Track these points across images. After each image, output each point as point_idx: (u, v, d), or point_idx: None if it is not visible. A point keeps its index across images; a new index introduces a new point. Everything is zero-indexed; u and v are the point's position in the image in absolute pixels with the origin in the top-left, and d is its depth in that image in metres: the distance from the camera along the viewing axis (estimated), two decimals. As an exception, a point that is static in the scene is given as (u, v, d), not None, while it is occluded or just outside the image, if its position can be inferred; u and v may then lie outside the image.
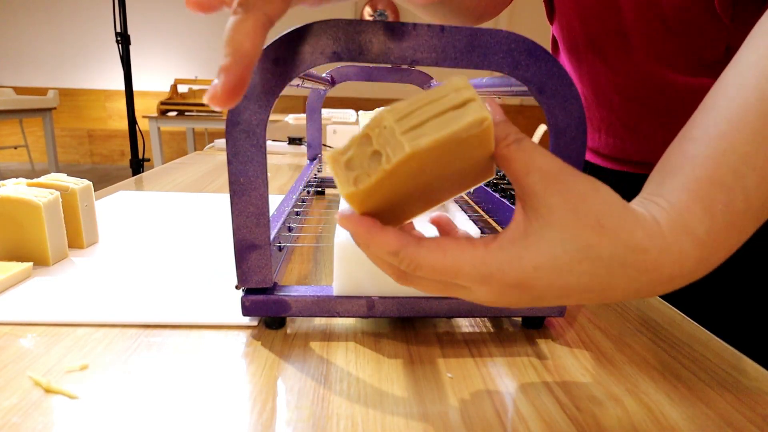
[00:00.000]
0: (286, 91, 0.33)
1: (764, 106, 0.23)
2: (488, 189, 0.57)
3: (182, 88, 3.16)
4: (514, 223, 0.23)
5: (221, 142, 1.28)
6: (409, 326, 0.36)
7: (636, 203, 0.24)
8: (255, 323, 0.35)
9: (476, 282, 0.23)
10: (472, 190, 0.44)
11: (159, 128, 2.86)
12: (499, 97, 0.45)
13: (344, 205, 0.24)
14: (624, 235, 0.22)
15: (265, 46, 0.28)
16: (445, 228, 0.29)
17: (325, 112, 2.21)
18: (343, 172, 0.22)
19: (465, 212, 0.47)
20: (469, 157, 0.23)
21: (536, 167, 0.22)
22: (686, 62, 0.46)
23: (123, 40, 2.21)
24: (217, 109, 0.25)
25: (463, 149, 0.22)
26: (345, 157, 0.22)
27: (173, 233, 0.53)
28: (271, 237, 0.34)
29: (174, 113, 2.92)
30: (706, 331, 0.37)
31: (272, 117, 2.60)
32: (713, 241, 0.23)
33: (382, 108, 0.21)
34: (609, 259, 0.22)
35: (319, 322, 0.36)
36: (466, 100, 0.21)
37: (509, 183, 0.57)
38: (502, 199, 0.51)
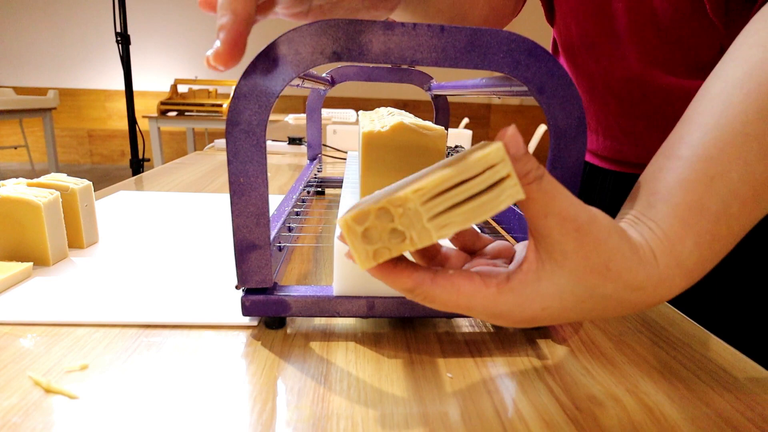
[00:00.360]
0: (286, 91, 0.34)
1: (749, 130, 0.24)
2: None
3: (182, 88, 3.16)
4: (527, 264, 0.24)
5: (221, 142, 1.28)
6: (409, 326, 0.36)
7: (630, 224, 0.25)
8: (255, 323, 0.35)
9: (485, 317, 0.25)
10: None
11: (159, 128, 2.86)
12: (499, 97, 0.45)
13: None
14: (626, 276, 0.23)
15: (265, 47, 0.28)
16: (468, 240, 0.30)
17: (325, 112, 2.21)
18: (361, 245, 0.21)
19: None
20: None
21: (555, 211, 0.22)
22: (679, 65, 0.46)
23: (123, 40, 2.21)
24: (220, 68, 0.25)
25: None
26: (362, 227, 0.21)
27: (173, 233, 0.53)
28: (271, 237, 0.34)
29: (174, 113, 2.92)
30: (706, 331, 0.37)
31: (272, 117, 2.61)
32: (698, 270, 0.25)
33: (404, 184, 0.21)
34: (609, 297, 0.24)
35: (319, 322, 0.36)
36: (501, 179, 0.20)
37: None
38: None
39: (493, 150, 0.20)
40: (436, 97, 0.80)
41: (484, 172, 0.20)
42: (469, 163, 0.20)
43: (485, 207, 0.20)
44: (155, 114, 2.85)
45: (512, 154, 0.21)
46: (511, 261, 0.28)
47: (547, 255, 0.23)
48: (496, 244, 0.30)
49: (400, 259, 0.23)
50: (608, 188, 0.58)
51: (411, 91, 4.28)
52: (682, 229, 0.24)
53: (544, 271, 0.24)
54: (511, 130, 0.22)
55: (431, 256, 0.29)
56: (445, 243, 0.32)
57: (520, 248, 0.29)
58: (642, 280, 0.23)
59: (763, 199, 0.25)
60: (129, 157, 2.43)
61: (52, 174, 0.48)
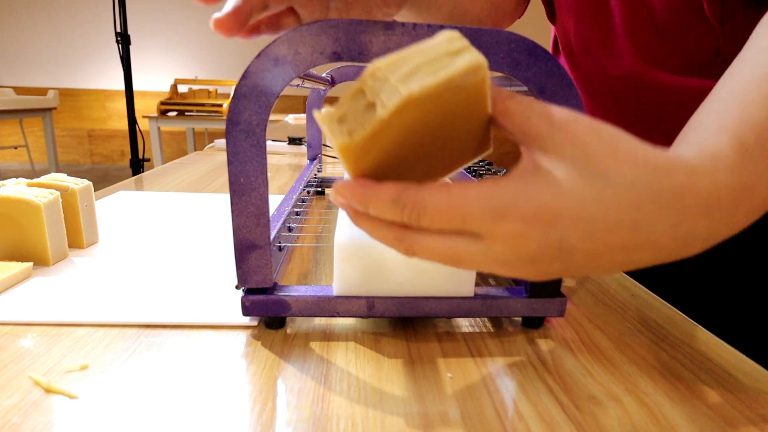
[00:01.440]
0: (286, 91, 0.33)
1: None
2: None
3: (182, 88, 3.16)
4: (522, 163, 0.22)
5: (221, 142, 1.28)
6: (409, 326, 0.36)
7: None
8: (255, 323, 0.35)
9: (489, 221, 0.20)
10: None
11: (159, 128, 2.86)
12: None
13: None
14: (642, 157, 0.20)
15: (265, 47, 0.28)
16: None
17: (325, 112, 2.20)
18: (337, 127, 0.20)
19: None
20: (466, 116, 0.22)
21: (536, 111, 0.21)
22: (676, 64, 0.46)
23: (123, 40, 2.21)
24: (221, 33, 0.25)
25: (459, 103, 0.21)
26: (338, 113, 0.20)
27: (173, 233, 0.53)
28: (271, 237, 0.34)
29: (174, 113, 2.92)
30: (706, 331, 0.37)
31: (272, 117, 2.61)
32: (748, 168, 0.21)
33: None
34: (632, 184, 0.19)
35: (319, 322, 0.36)
36: (459, 49, 0.20)
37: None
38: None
39: (448, 30, 0.20)
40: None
41: (443, 44, 0.20)
42: (429, 40, 0.20)
43: (448, 66, 0.19)
44: (155, 114, 2.85)
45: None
46: None
47: (541, 151, 0.21)
48: None
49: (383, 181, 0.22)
50: None
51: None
52: (715, 135, 0.21)
53: (542, 162, 0.21)
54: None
55: None
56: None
57: None
58: (663, 161, 0.20)
59: None
60: (129, 157, 2.43)
61: (52, 174, 0.48)
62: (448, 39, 0.20)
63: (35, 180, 0.46)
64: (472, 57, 0.19)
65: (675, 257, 0.22)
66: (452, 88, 0.20)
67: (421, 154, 0.23)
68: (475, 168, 0.55)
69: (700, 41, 0.43)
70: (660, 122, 0.49)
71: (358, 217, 0.23)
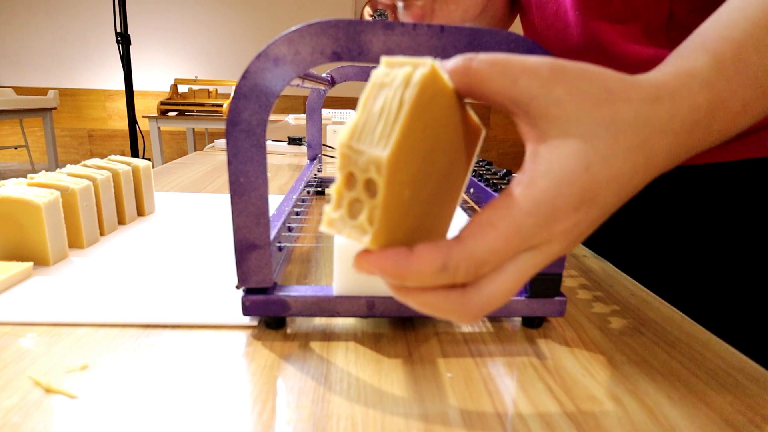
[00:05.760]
0: (286, 91, 0.33)
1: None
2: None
3: (182, 88, 3.16)
4: (531, 146, 0.20)
5: (221, 142, 1.28)
6: (409, 326, 0.36)
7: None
8: (255, 323, 0.35)
9: (543, 228, 0.19)
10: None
11: (159, 128, 2.86)
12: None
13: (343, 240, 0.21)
14: (634, 92, 0.20)
15: (265, 46, 0.28)
16: None
17: (325, 112, 2.21)
18: (350, 224, 0.19)
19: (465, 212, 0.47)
20: (449, 122, 0.21)
21: (518, 70, 0.19)
22: (630, 25, 0.44)
23: (123, 40, 2.21)
24: None
25: (436, 116, 0.20)
26: (340, 212, 0.19)
27: (173, 233, 0.53)
28: (271, 237, 0.34)
29: (174, 113, 2.92)
30: (706, 331, 0.37)
31: (272, 117, 2.61)
32: (722, 85, 0.21)
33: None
34: (635, 120, 0.20)
35: (319, 322, 0.36)
36: (404, 77, 0.19)
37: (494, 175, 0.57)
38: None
39: (379, 69, 0.19)
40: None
41: (381, 82, 0.19)
42: (367, 88, 0.19)
43: (404, 102, 0.18)
44: (155, 114, 2.85)
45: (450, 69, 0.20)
46: None
47: (543, 119, 0.20)
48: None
49: (414, 245, 0.19)
50: None
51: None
52: (692, 51, 0.22)
53: (552, 136, 0.20)
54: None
55: None
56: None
57: None
58: (649, 89, 0.20)
59: None
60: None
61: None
62: (383, 74, 0.19)
63: (35, 178, 0.46)
64: (418, 76, 0.18)
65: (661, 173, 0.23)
66: (422, 112, 0.19)
67: (433, 183, 0.22)
68: (475, 168, 0.55)
69: (652, 2, 0.42)
70: None
71: (397, 290, 0.20)
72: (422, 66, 0.19)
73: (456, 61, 0.20)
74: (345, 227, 0.19)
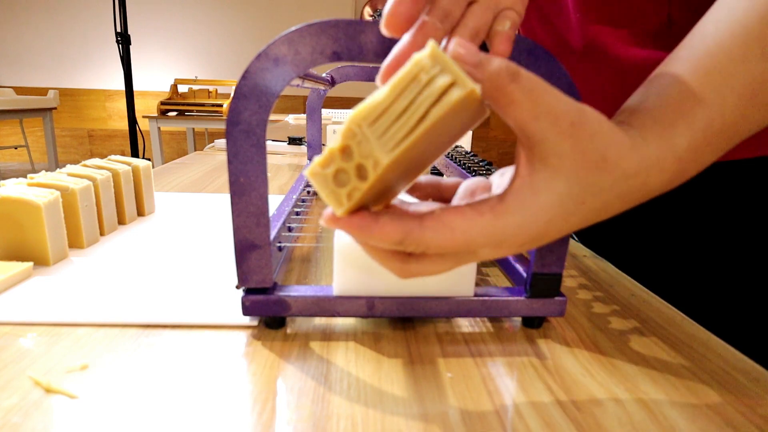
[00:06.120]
0: (286, 91, 0.33)
1: (751, 31, 0.24)
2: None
3: (182, 88, 3.16)
4: (519, 180, 0.22)
5: (221, 142, 1.28)
6: (409, 326, 0.36)
7: (622, 119, 0.25)
8: (255, 323, 0.35)
9: (488, 248, 0.22)
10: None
11: (159, 128, 2.86)
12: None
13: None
14: (622, 165, 0.22)
15: (265, 46, 0.28)
16: (431, 191, 0.29)
17: (325, 112, 2.21)
18: (334, 188, 0.20)
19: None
20: (458, 122, 0.21)
21: (546, 110, 0.21)
22: (629, 29, 0.45)
23: (123, 40, 2.21)
24: (386, 33, 0.23)
25: (448, 122, 0.20)
26: (330, 170, 0.20)
27: (173, 233, 0.53)
28: (271, 237, 0.34)
29: (174, 113, 2.92)
30: (706, 331, 0.37)
31: (272, 117, 2.61)
32: (690, 158, 0.24)
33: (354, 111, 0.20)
34: (609, 191, 0.23)
35: (319, 322, 0.36)
36: (445, 82, 0.18)
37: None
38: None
39: (424, 52, 0.18)
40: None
41: (417, 76, 0.18)
42: (402, 72, 0.19)
43: (430, 110, 0.18)
44: (155, 114, 2.85)
45: (468, 62, 0.19)
46: (489, 193, 0.27)
47: (541, 163, 0.22)
48: (467, 183, 0.28)
49: (381, 212, 0.22)
50: None
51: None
52: (675, 114, 0.24)
53: (540, 181, 0.22)
54: (453, 42, 0.19)
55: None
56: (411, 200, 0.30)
57: (497, 177, 0.28)
58: (636, 165, 0.22)
59: (759, 100, 0.24)
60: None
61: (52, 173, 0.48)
62: (421, 67, 0.18)
63: (35, 178, 0.46)
64: (459, 90, 0.18)
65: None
66: (444, 121, 0.19)
67: (413, 166, 0.23)
68: (475, 168, 0.55)
69: (651, 6, 0.43)
70: (622, 99, 0.49)
71: (356, 239, 0.23)
72: (461, 86, 0.18)
73: (498, 70, 0.20)
74: (324, 187, 0.20)
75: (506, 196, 0.22)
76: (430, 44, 0.19)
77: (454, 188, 0.29)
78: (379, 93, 0.19)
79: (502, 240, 0.22)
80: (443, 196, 0.30)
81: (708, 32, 0.25)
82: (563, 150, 0.21)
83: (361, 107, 0.19)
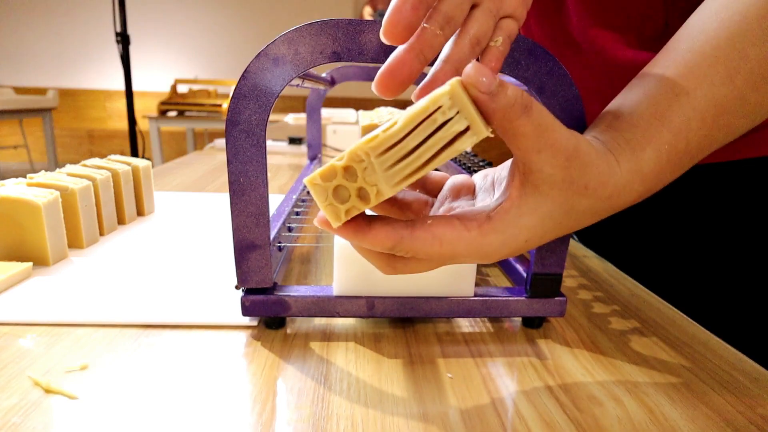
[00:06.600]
0: (286, 91, 0.33)
1: (718, 54, 0.25)
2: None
3: (182, 88, 3.16)
4: (509, 202, 0.24)
5: (221, 142, 1.28)
6: (409, 326, 0.36)
7: (597, 135, 0.26)
8: (255, 323, 0.35)
9: (469, 258, 0.24)
10: None
11: (159, 128, 2.86)
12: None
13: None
14: (600, 191, 0.24)
15: (264, 46, 0.28)
16: (417, 183, 0.31)
17: (325, 112, 2.21)
18: (333, 204, 0.21)
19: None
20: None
21: (549, 144, 0.22)
22: (628, 33, 0.45)
23: (123, 40, 2.21)
24: (386, 42, 0.23)
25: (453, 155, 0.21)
26: (331, 185, 0.21)
27: (173, 233, 0.53)
28: (271, 237, 0.34)
29: (174, 113, 2.92)
30: (706, 331, 0.37)
31: (272, 117, 2.61)
32: (654, 179, 0.26)
33: (364, 139, 0.20)
34: (585, 211, 0.25)
35: (319, 322, 0.36)
36: (459, 119, 0.18)
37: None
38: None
39: (444, 90, 0.18)
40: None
41: (433, 113, 0.18)
42: (419, 107, 0.18)
43: (440, 153, 0.19)
44: (155, 114, 2.85)
45: (483, 91, 0.19)
46: (473, 194, 0.29)
47: (533, 189, 0.23)
48: (453, 181, 0.30)
49: (374, 218, 0.23)
50: None
51: (411, 91, 4.26)
52: (644, 137, 0.25)
53: (527, 206, 0.24)
54: (470, 67, 0.19)
55: (389, 205, 0.30)
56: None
57: (479, 179, 0.30)
58: (611, 190, 0.24)
59: (723, 122, 0.26)
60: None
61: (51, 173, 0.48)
62: (438, 104, 0.18)
63: (35, 178, 0.46)
64: (471, 137, 0.18)
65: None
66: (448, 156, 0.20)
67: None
68: (475, 168, 0.55)
69: (648, 11, 0.43)
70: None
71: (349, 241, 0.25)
72: (476, 132, 0.19)
73: (513, 102, 0.20)
74: (323, 199, 0.21)
75: (494, 216, 0.24)
76: (451, 83, 0.18)
77: (440, 183, 0.31)
78: (391, 125, 0.19)
79: (484, 254, 0.24)
80: (429, 189, 0.31)
81: (679, 51, 0.27)
82: (555, 180, 0.23)
83: (370, 136, 0.19)
